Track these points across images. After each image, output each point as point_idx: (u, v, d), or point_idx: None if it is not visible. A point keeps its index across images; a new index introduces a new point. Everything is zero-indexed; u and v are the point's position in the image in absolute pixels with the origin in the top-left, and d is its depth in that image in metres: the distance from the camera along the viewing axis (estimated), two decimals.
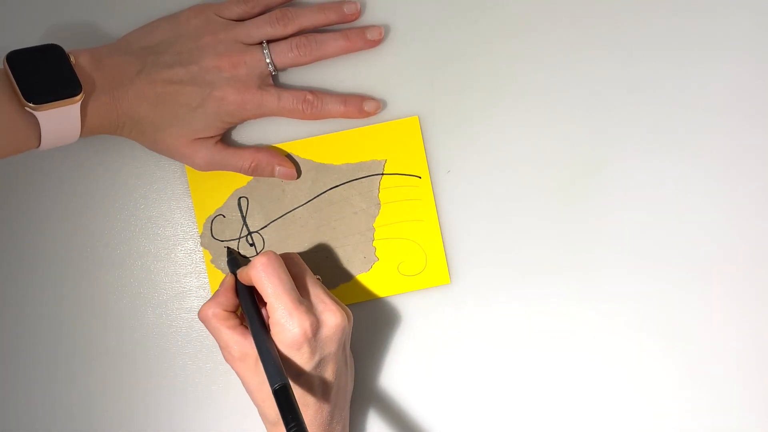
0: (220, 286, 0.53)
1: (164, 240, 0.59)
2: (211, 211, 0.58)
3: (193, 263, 0.59)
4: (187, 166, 0.58)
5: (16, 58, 0.49)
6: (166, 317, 0.59)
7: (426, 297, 0.58)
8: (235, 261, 0.55)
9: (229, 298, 0.52)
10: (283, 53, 0.56)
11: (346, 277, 0.58)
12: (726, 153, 0.58)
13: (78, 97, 0.50)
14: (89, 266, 0.58)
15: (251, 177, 0.58)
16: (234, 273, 0.54)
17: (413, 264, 0.58)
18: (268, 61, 0.56)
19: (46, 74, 0.50)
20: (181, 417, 0.58)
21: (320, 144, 0.58)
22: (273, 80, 0.57)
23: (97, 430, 0.58)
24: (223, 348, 0.51)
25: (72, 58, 0.51)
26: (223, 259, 0.58)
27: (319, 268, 0.58)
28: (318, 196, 0.58)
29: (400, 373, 0.58)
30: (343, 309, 0.52)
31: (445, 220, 0.58)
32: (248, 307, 0.52)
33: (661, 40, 0.58)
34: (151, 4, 0.58)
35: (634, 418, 0.58)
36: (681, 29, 0.58)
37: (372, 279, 0.58)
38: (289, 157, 0.58)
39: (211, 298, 0.52)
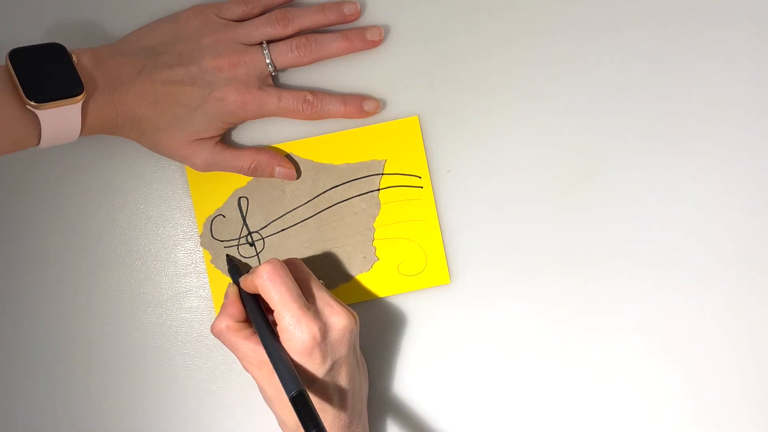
0: (226, 297, 0.53)
1: (164, 240, 0.59)
2: (211, 211, 0.58)
3: (193, 263, 0.59)
4: (187, 166, 0.58)
5: (18, 56, 0.49)
6: (166, 317, 0.58)
7: (426, 297, 0.58)
8: (237, 269, 0.56)
9: (237, 309, 0.52)
10: (283, 54, 0.56)
11: (346, 277, 0.58)
12: (725, 157, 0.58)
13: (80, 97, 0.50)
14: (89, 266, 0.58)
15: (251, 177, 0.58)
16: (236, 282, 0.54)
17: (413, 264, 0.58)
18: (268, 61, 0.56)
19: (48, 73, 0.50)
20: (181, 417, 0.58)
21: (320, 144, 0.58)
22: (273, 81, 0.57)
23: (97, 430, 0.58)
24: (242, 358, 0.52)
25: (74, 58, 0.51)
26: (223, 259, 0.58)
27: (319, 269, 0.58)
28: (318, 196, 0.58)
29: (400, 373, 0.58)
30: (349, 311, 0.52)
31: (445, 220, 0.58)
32: (256, 317, 0.52)
33: (660, 45, 0.58)
34: (152, 4, 0.58)
35: (633, 417, 0.58)
36: (679, 34, 0.58)
37: (372, 279, 0.58)
38: (289, 157, 0.58)
39: (220, 312, 0.52)
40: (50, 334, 0.58)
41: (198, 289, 0.59)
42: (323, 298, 0.52)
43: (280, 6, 0.57)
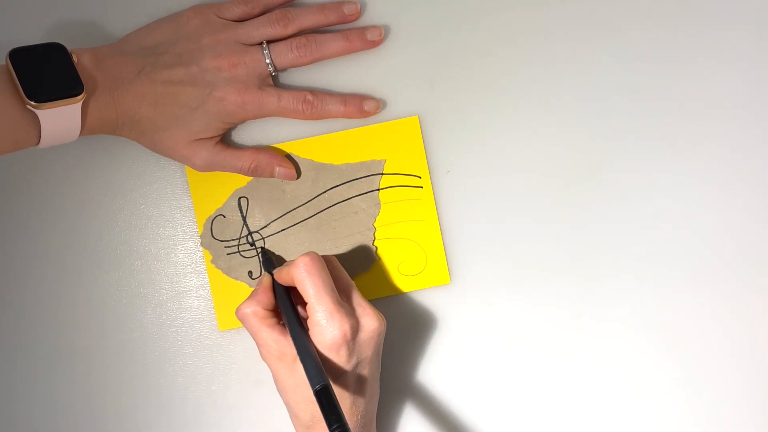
0: (258, 285, 0.53)
1: (164, 240, 0.59)
2: (211, 212, 0.58)
3: (193, 263, 0.59)
4: (187, 166, 0.58)
5: (18, 56, 0.49)
6: (166, 317, 0.58)
7: (426, 297, 0.58)
8: (270, 261, 0.56)
9: (268, 297, 0.53)
10: (283, 54, 0.56)
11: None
12: (725, 156, 0.58)
13: (80, 97, 0.50)
14: (89, 266, 0.58)
15: (251, 177, 0.58)
16: (270, 273, 0.54)
17: (413, 264, 0.58)
18: (268, 61, 0.56)
19: (48, 73, 0.50)
20: (181, 417, 0.58)
21: (320, 144, 0.58)
22: (273, 81, 0.57)
23: (97, 430, 0.58)
24: (262, 346, 0.51)
25: (74, 58, 0.51)
26: (224, 259, 0.58)
27: None
28: (318, 196, 0.58)
29: (400, 373, 0.58)
30: (379, 314, 0.52)
31: (445, 220, 0.58)
32: (286, 307, 0.52)
33: (660, 45, 0.58)
34: (152, 4, 0.58)
35: (634, 417, 0.58)
36: (680, 34, 0.58)
37: (372, 279, 0.58)
38: (289, 157, 0.58)
39: (249, 297, 0.53)
40: (50, 334, 0.58)
41: (198, 289, 0.59)
42: (356, 298, 0.52)
43: (280, 6, 0.57)
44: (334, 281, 0.51)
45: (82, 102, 0.50)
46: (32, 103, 0.48)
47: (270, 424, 0.58)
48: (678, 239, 0.58)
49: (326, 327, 0.49)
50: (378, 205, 0.58)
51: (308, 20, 0.56)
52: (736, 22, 0.58)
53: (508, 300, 0.58)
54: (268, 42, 0.56)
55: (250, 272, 0.58)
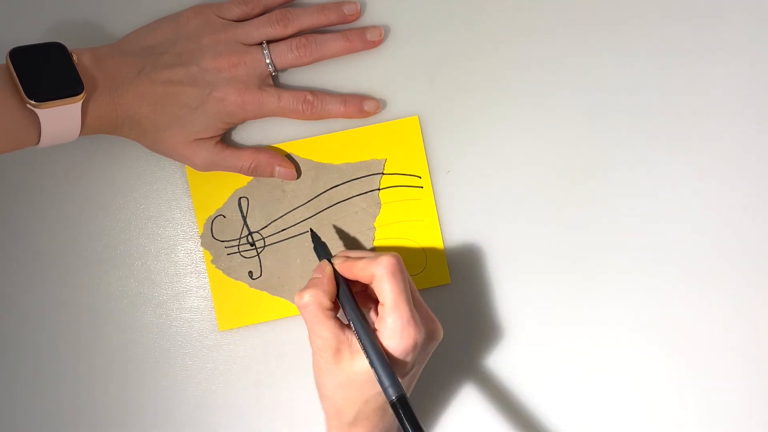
0: (319, 273, 0.52)
1: (164, 240, 0.59)
2: (211, 212, 0.58)
3: (193, 263, 0.59)
4: (187, 166, 0.58)
5: (19, 55, 0.50)
6: (166, 317, 0.58)
7: (426, 297, 0.58)
8: (324, 246, 0.54)
9: (333, 288, 0.51)
10: (283, 54, 0.56)
11: None
12: (725, 154, 0.58)
13: (80, 97, 0.50)
14: (89, 266, 0.58)
15: (251, 177, 0.58)
16: (329, 260, 0.53)
17: (413, 264, 0.58)
18: (268, 61, 0.56)
19: (48, 72, 0.50)
20: (181, 417, 0.58)
21: (320, 144, 0.58)
22: (273, 81, 0.57)
23: (98, 430, 0.58)
24: (319, 338, 0.50)
25: (74, 57, 0.51)
26: (224, 259, 0.58)
27: None
28: (318, 195, 0.58)
29: None
30: (439, 324, 0.52)
31: (445, 220, 0.58)
32: (351, 304, 0.51)
33: (660, 43, 0.58)
34: (152, 4, 0.58)
35: (634, 416, 0.58)
36: (680, 32, 0.58)
37: None
38: (289, 157, 0.58)
39: (312, 285, 0.51)
40: (50, 334, 0.58)
41: (198, 289, 0.59)
42: (423, 307, 0.52)
43: (280, 6, 0.57)
44: None
45: (82, 102, 0.50)
46: (32, 102, 0.48)
47: (270, 424, 0.58)
48: (679, 238, 0.58)
49: (400, 334, 0.48)
50: (378, 204, 0.58)
51: (308, 20, 0.56)
52: (738, 21, 0.58)
53: (509, 300, 0.58)
54: (268, 42, 0.56)
55: (250, 272, 0.58)
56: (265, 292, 0.58)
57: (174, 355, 0.58)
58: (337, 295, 0.51)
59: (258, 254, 0.58)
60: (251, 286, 0.58)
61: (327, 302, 0.50)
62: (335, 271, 0.52)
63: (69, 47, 0.51)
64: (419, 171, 0.58)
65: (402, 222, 0.58)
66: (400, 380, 0.49)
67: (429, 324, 0.51)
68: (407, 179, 0.58)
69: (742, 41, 0.58)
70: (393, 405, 0.47)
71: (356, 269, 0.51)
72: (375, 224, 0.58)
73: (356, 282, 0.52)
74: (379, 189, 0.58)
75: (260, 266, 0.58)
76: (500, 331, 0.58)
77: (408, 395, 0.50)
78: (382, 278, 0.49)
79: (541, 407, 0.58)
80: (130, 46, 0.55)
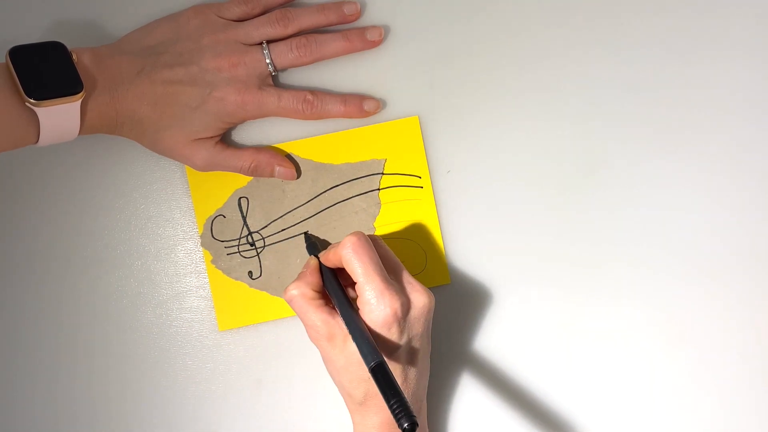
0: (305, 268, 0.53)
1: (164, 240, 0.59)
2: (211, 212, 0.58)
3: (193, 263, 0.59)
4: (187, 166, 0.58)
5: (18, 54, 0.50)
6: (166, 317, 0.58)
7: None
8: (315, 245, 0.56)
9: (316, 279, 0.53)
10: (283, 54, 0.56)
11: None
12: (726, 151, 0.58)
13: (79, 95, 0.50)
14: (89, 266, 0.58)
15: (251, 177, 0.58)
16: (316, 256, 0.54)
17: (413, 264, 0.58)
18: (268, 61, 0.56)
19: (48, 71, 0.50)
20: (181, 417, 0.58)
21: (320, 144, 0.58)
22: (273, 80, 0.57)
23: (97, 430, 0.58)
24: (311, 327, 0.51)
25: (74, 56, 0.51)
26: (224, 260, 0.58)
27: None
28: (318, 196, 0.58)
29: None
30: (428, 291, 0.52)
31: (445, 220, 0.58)
32: (334, 287, 0.52)
33: (661, 40, 0.58)
34: (152, 4, 0.58)
35: (635, 415, 0.58)
36: (681, 29, 0.58)
37: None
38: (289, 157, 0.58)
39: (297, 279, 0.53)
40: (50, 334, 0.58)
41: (198, 289, 0.59)
42: (404, 276, 0.52)
43: (280, 6, 0.57)
44: (381, 261, 0.51)
45: (81, 101, 0.50)
46: (31, 100, 0.48)
47: (270, 424, 0.58)
48: (681, 237, 0.58)
49: (377, 305, 0.49)
50: (378, 204, 0.58)
51: (308, 20, 0.56)
52: (738, 20, 0.58)
53: (509, 300, 0.58)
54: (268, 42, 0.56)
55: (250, 272, 0.58)
56: (264, 292, 0.58)
57: (174, 355, 0.58)
58: (324, 285, 0.53)
59: (258, 254, 0.58)
60: (251, 286, 0.58)
61: (310, 292, 0.52)
62: (321, 263, 0.53)
63: (69, 47, 0.51)
64: (419, 171, 0.58)
65: (402, 222, 0.58)
66: (396, 355, 0.50)
67: (412, 293, 0.51)
68: (407, 179, 0.58)
69: (744, 39, 0.58)
70: (372, 372, 0.46)
71: (330, 256, 0.52)
72: (375, 224, 0.58)
73: (345, 272, 0.52)
74: (379, 189, 0.58)
75: (260, 266, 0.58)
76: (500, 331, 0.58)
77: (418, 368, 0.51)
78: (347, 258, 0.50)
79: (544, 406, 0.58)
80: (130, 45, 0.55)
